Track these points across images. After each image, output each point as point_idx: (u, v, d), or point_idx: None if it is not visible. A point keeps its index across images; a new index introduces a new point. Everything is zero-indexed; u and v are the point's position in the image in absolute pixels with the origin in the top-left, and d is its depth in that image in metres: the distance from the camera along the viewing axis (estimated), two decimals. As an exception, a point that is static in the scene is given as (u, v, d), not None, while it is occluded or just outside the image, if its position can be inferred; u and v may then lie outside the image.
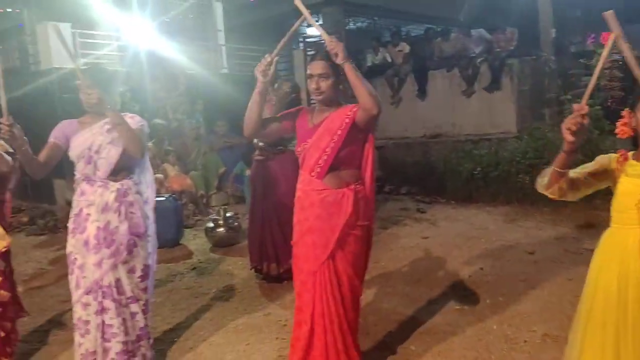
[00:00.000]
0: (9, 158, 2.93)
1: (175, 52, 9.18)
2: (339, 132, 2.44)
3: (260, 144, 4.29)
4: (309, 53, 11.13)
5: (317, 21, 14.61)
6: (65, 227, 6.66)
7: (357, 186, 2.52)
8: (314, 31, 13.98)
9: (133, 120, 2.81)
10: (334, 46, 2.33)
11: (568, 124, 1.70)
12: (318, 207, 2.49)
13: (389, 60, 10.48)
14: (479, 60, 9.16)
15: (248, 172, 7.57)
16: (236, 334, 3.45)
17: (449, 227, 6.03)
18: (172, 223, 5.78)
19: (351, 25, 14.34)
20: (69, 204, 6.94)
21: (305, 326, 2.52)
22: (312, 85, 2.46)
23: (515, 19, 9.97)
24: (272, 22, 13.75)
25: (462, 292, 3.94)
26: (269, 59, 2.46)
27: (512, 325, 3.32)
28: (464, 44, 9.62)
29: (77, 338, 2.77)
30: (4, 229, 2.95)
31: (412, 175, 8.54)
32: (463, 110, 9.46)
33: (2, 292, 2.94)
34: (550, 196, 1.97)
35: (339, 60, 2.33)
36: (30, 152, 2.63)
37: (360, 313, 2.71)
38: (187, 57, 9.28)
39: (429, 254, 4.97)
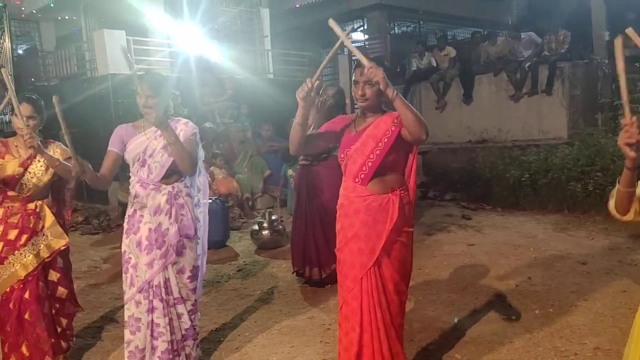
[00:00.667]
0: (68, 165, 3.08)
1: (224, 58, 9.41)
2: (385, 139, 2.44)
3: None
4: (354, 58, 11.16)
5: (361, 26, 14.70)
6: (118, 227, 6.94)
7: (402, 192, 2.52)
8: (359, 36, 14.09)
9: (187, 127, 2.91)
10: (374, 74, 2.25)
11: (624, 139, 1.60)
12: (363, 214, 2.48)
13: (434, 64, 10.39)
14: (528, 64, 8.96)
15: (291, 173, 7.71)
16: (280, 336, 3.50)
17: (496, 234, 5.91)
18: (219, 225, 5.90)
19: (396, 30, 14.27)
20: (121, 204, 7.24)
21: (353, 334, 2.49)
22: (358, 92, 2.46)
23: (565, 21, 9.68)
24: (316, 28, 13.86)
25: (509, 302, 3.85)
26: (309, 85, 2.38)
27: (563, 337, 3.23)
28: (512, 47, 9.43)
29: (128, 335, 2.87)
30: (63, 228, 3.10)
31: (457, 181, 8.43)
32: (510, 115, 9.27)
33: (60, 288, 3.10)
34: (627, 220, 1.81)
35: (381, 88, 2.27)
36: (96, 174, 2.81)
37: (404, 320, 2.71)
38: (235, 62, 9.48)
39: (475, 262, 4.89)
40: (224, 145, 8.15)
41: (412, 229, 2.58)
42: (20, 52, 12.54)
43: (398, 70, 12.25)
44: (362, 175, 2.48)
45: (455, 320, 3.55)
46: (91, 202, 7.43)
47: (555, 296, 3.89)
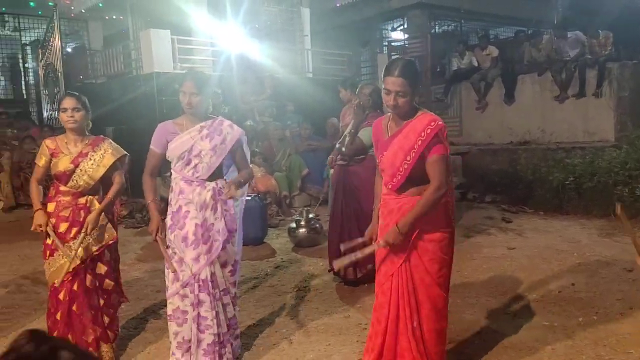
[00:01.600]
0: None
1: (264, 57, 9.52)
2: (413, 153, 2.43)
3: (343, 149, 4.35)
4: (394, 57, 11.08)
5: (401, 25, 14.56)
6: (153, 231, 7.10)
7: None
8: (398, 35, 13.99)
9: (232, 130, 2.98)
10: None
11: None
12: (397, 214, 2.51)
13: (476, 64, 10.21)
14: (574, 64, 8.70)
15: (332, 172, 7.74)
16: (317, 334, 3.53)
17: (537, 238, 5.77)
18: (257, 222, 5.99)
19: (436, 29, 14.10)
20: (162, 199, 7.41)
21: (378, 326, 2.58)
22: (390, 101, 2.44)
23: (613, 21, 9.35)
24: (355, 27, 13.85)
25: (551, 308, 3.76)
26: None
27: (607, 345, 3.14)
28: (558, 46, 9.17)
29: (174, 327, 2.94)
30: (112, 223, 3.21)
31: (497, 183, 8.26)
32: (554, 116, 9.02)
33: (107, 280, 3.20)
34: None
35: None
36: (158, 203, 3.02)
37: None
38: (275, 61, 9.58)
39: (515, 266, 4.79)
40: (263, 144, 8.25)
41: (448, 231, 2.56)
42: (69, 50, 13.03)
43: (438, 70, 12.10)
44: (391, 185, 2.53)
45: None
46: (134, 196, 7.64)
47: (599, 303, 3.78)
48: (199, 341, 2.90)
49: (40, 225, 2.99)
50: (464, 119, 10.36)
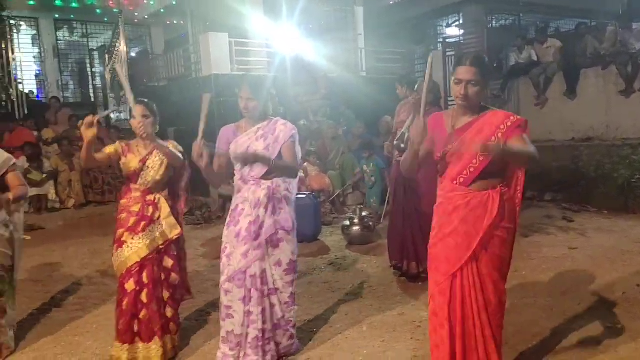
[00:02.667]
0: (180, 155, 3.35)
1: (318, 56, 9.62)
2: None
3: (402, 145, 4.35)
4: (448, 54, 10.93)
5: (457, 20, 14.31)
6: (218, 219, 7.34)
7: (503, 187, 2.46)
8: (454, 31, 13.74)
9: (285, 128, 3.07)
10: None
11: None
12: (463, 210, 2.44)
13: (535, 58, 9.89)
14: (641, 56, 8.28)
15: (365, 169, 7.75)
16: (371, 330, 3.57)
17: (601, 238, 5.56)
18: (311, 219, 6.09)
19: (493, 23, 13.75)
20: (221, 196, 7.65)
21: (442, 330, 2.45)
22: (460, 91, 2.39)
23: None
24: (409, 24, 13.73)
25: (614, 310, 3.64)
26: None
27: (675, 351, 3.01)
28: (623, 38, 8.74)
29: (220, 322, 3.08)
30: (177, 220, 3.36)
31: (558, 181, 7.99)
32: (620, 111, 8.62)
33: (173, 275, 3.35)
34: None
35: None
36: (211, 167, 3.03)
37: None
38: (329, 60, 9.67)
39: (577, 266, 4.65)
40: (317, 143, 8.35)
41: (512, 226, 2.50)
42: (133, 54, 13.63)
43: (495, 65, 11.80)
44: (462, 180, 2.44)
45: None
46: (194, 194, 7.93)
47: (667, 306, 3.62)
48: (247, 335, 2.99)
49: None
50: (522, 115, 9.76)
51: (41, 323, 3.89)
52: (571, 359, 3.00)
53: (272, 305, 3.03)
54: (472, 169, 2.41)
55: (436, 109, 4.33)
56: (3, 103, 10.12)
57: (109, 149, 3.31)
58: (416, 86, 4.50)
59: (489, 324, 2.45)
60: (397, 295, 4.23)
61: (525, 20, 14.12)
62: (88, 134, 3.02)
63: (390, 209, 4.72)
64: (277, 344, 3.08)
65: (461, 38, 12.03)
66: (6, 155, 3.45)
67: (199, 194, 7.98)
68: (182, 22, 13.08)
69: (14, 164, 3.46)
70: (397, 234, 4.52)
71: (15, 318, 3.60)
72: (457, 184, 2.46)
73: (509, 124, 2.38)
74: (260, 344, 2.98)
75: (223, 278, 3.02)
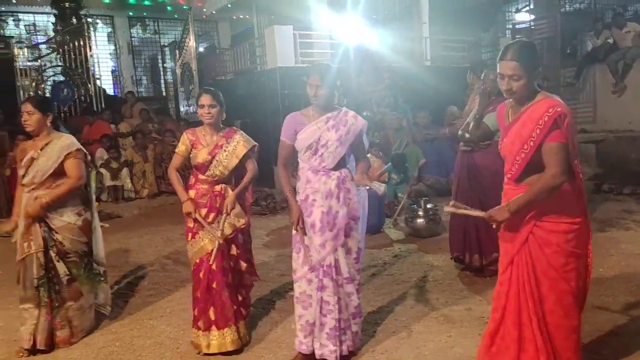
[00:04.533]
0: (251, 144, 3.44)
1: (382, 46, 9.52)
2: (531, 142, 2.32)
3: (467, 135, 4.24)
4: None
5: (527, 5, 13.75)
6: (282, 209, 7.44)
7: None
8: (523, 16, 13.17)
9: (356, 121, 3.07)
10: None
11: None
12: None
13: (613, 43, 9.31)
14: None
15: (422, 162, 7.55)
16: (437, 325, 3.52)
17: (686, 235, 5.19)
18: (375, 211, 6.04)
19: (567, 8, 13.04)
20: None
21: (496, 314, 2.55)
22: (504, 86, 2.37)
23: None
24: (476, 11, 13.28)
25: (703, 312, 3.40)
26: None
27: None
28: None
29: (299, 310, 3.10)
30: (244, 209, 3.47)
31: (637, 173, 7.51)
32: None
33: (240, 262, 3.46)
34: None
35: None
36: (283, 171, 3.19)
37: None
38: (392, 50, 9.55)
39: (659, 265, 4.37)
40: (381, 134, 8.28)
41: (577, 222, 2.39)
42: (200, 49, 14.07)
43: (568, 51, 11.21)
44: (510, 175, 2.45)
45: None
46: (260, 185, 8.11)
47: None
48: (321, 325, 3.02)
49: (189, 213, 3.31)
50: (598, 103, 9.53)
51: (118, 306, 4.11)
52: (653, 363, 2.83)
53: (348, 294, 3.05)
54: (516, 165, 2.41)
55: (503, 98, 4.19)
56: (82, 98, 10.74)
57: (181, 150, 3.41)
58: (482, 74, 4.35)
59: (545, 320, 2.43)
60: (463, 290, 4.14)
61: (600, 4, 13.28)
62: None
63: (453, 199, 4.60)
64: (353, 334, 3.11)
65: (532, 24, 11.50)
66: (69, 141, 3.51)
67: (264, 185, 8.15)
68: (247, 16, 13.35)
69: (75, 151, 3.49)
70: (460, 226, 4.43)
71: (108, 297, 3.86)
72: (509, 176, 2.47)
73: (545, 118, 2.29)
74: (337, 333, 3.01)
75: (305, 268, 3.04)
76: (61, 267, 3.46)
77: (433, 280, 4.43)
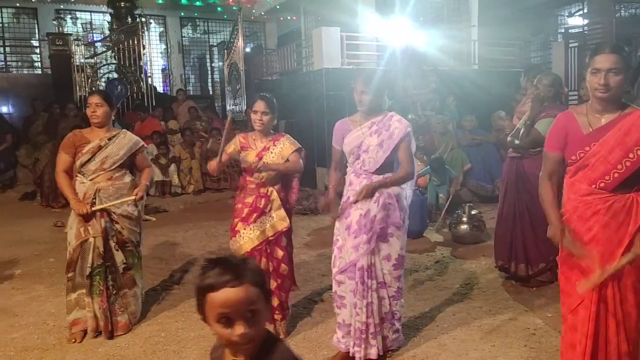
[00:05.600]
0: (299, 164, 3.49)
1: (429, 49, 9.43)
2: (638, 151, 2.17)
3: (516, 142, 4.15)
4: (571, 45, 10.20)
5: (580, 9, 13.26)
6: (324, 210, 7.47)
7: None
8: (576, 21, 12.77)
9: (400, 125, 3.05)
10: None
11: None
12: (605, 215, 2.25)
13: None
14: None
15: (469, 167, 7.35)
16: (480, 333, 3.46)
17: None
18: (417, 216, 5.99)
19: (622, 13, 12.55)
20: (326, 188, 7.76)
21: (580, 347, 2.28)
22: (599, 81, 2.19)
23: None
24: (526, 14, 12.97)
25: None
26: None
27: None
28: None
29: (335, 309, 3.16)
30: (288, 213, 3.48)
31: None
32: None
33: (282, 265, 3.48)
34: None
35: None
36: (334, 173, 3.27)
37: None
38: (440, 53, 9.44)
39: None
40: (425, 137, 8.19)
41: None
42: (247, 50, 14.32)
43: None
44: (603, 184, 2.25)
45: None
46: (302, 185, 8.17)
47: None
48: (354, 326, 3.04)
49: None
50: None
51: (163, 298, 4.23)
52: None
53: (380, 299, 3.04)
54: (616, 174, 2.22)
55: (557, 105, 4.08)
56: (135, 95, 11.10)
57: (230, 149, 3.50)
58: (535, 79, 4.25)
59: (625, 340, 2.25)
60: (508, 300, 4.05)
61: (660, 7, 12.74)
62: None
63: (499, 207, 4.52)
64: (384, 338, 3.09)
65: (585, 28, 11.13)
66: (136, 137, 3.76)
67: (306, 185, 8.21)
68: (294, 18, 13.47)
69: (143, 145, 3.75)
70: (506, 234, 4.32)
71: (143, 288, 3.96)
72: (596, 187, 2.27)
73: None
74: (363, 336, 3.01)
75: (335, 269, 3.08)
76: (119, 256, 3.58)
77: (476, 288, 4.36)
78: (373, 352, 3.04)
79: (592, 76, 2.23)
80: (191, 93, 15.02)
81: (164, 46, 15.56)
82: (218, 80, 14.80)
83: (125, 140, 3.62)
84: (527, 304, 3.90)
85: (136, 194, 3.58)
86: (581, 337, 2.28)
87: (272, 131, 3.50)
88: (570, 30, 11.96)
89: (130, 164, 3.74)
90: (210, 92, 15.26)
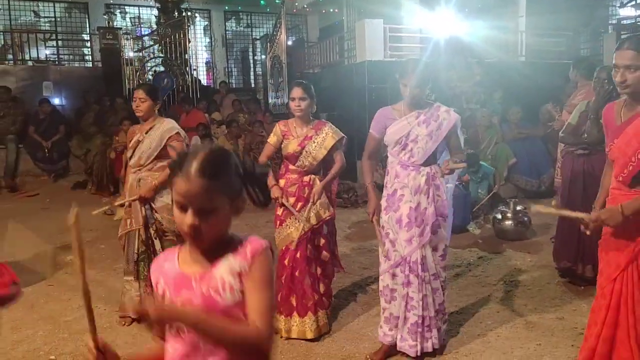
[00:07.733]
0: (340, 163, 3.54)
1: (475, 40, 9.23)
2: None
3: (584, 137, 3.98)
4: (623, 37, 9.76)
5: (633, 0, 12.61)
6: (364, 203, 7.47)
7: None
8: (629, 12, 12.21)
9: (449, 116, 3.02)
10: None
11: None
12: None
13: None
14: None
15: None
16: (526, 332, 3.40)
17: None
18: (460, 210, 5.91)
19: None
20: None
21: (594, 328, 2.39)
22: (617, 78, 2.22)
23: None
24: (576, 5, 12.49)
25: None
26: None
27: None
28: None
29: (383, 303, 3.12)
30: (330, 201, 3.53)
31: None
32: None
33: (324, 252, 3.53)
34: None
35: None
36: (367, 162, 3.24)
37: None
38: (486, 44, 9.22)
39: None
40: (469, 131, 8.03)
41: None
42: (289, 43, 14.38)
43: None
44: (622, 178, 2.28)
45: None
46: (342, 178, 8.18)
47: None
48: (405, 319, 3.02)
49: (276, 198, 3.42)
50: None
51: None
52: None
53: (434, 291, 3.02)
54: (630, 168, 2.24)
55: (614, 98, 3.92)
56: (180, 87, 11.34)
57: (273, 140, 3.53)
58: (595, 73, 4.07)
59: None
60: (555, 298, 3.95)
61: None
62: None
63: (564, 205, 4.33)
64: (438, 330, 3.08)
65: (638, 19, 10.65)
66: (170, 125, 3.67)
67: (347, 178, 8.20)
68: (336, 10, 13.43)
69: (178, 133, 3.63)
70: (573, 233, 4.06)
71: None
72: (620, 179, 2.30)
73: None
74: (419, 330, 2.99)
75: (390, 263, 3.05)
76: (157, 245, 3.68)
77: (521, 285, 4.27)
78: (429, 346, 3.03)
79: (614, 72, 2.25)
80: (234, 86, 15.22)
81: (208, 40, 15.82)
82: (260, 73, 14.93)
83: (158, 132, 3.63)
84: (574, 302, 3.81)
85: (139, 195, 3.58)
86: (596, 318, 2.38)
87: (312, 118, 3.51)
88: (622, 22, 11.47)
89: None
90: (253, 85, 15.42)
